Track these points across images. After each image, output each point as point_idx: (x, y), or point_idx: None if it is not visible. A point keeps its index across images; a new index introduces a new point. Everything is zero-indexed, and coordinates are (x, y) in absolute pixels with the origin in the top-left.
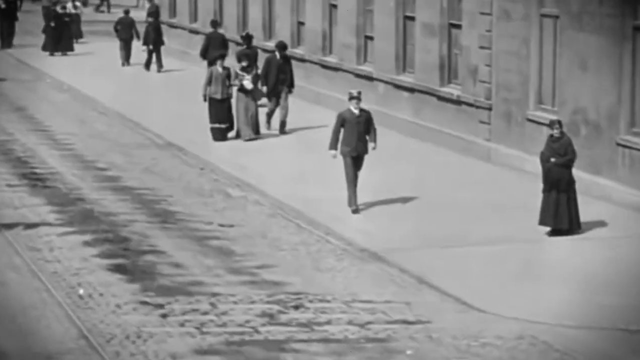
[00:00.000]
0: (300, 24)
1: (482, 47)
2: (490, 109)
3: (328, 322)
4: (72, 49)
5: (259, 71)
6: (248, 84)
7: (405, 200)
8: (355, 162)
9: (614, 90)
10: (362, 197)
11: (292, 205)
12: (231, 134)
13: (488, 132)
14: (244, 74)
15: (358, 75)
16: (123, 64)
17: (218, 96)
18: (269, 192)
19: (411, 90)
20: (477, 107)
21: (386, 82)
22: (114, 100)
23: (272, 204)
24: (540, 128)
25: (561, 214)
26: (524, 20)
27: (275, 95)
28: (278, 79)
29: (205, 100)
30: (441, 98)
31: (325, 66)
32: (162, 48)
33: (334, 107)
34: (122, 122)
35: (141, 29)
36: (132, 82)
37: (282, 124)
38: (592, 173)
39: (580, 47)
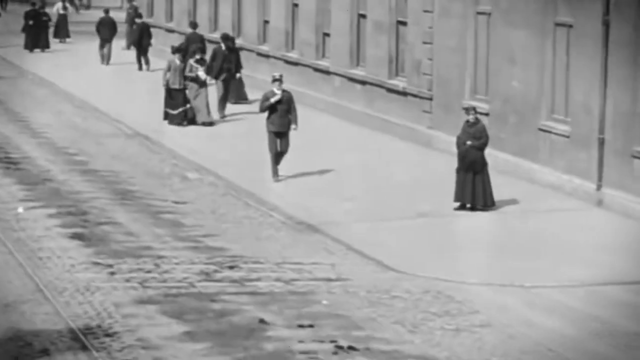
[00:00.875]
0: (266, 22)
1: (425, 43)
2: (431, 99)
3: (258, 279)
4: (48, 47)
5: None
6: (202, 74)
7: (347, 180)
8: (277, 136)
9: (537, 81)
10: (309, 179)
11: (242, 186)
12: (186, 121)
13: (429, 121)
14: (198, 65)
15: (316, 70)
16: (102, 62)
17: (176, 85)
18: (223, 175)
19: (363, 82)
20: (420, 97)
21: (341, 76)
22: (89, 95)
23: (225, 185)
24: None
25: (476, 192)
26: (462, 18)
27: (223, 82)
28: (222, 67)
29: (165, 87)
30: (389, 90)
31: (287, 61)
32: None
33: (296, 99)
34: (96, 114)
35: (122, 29)
36: (109, 79)
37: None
38: (518, 156)
39: (509, 41)
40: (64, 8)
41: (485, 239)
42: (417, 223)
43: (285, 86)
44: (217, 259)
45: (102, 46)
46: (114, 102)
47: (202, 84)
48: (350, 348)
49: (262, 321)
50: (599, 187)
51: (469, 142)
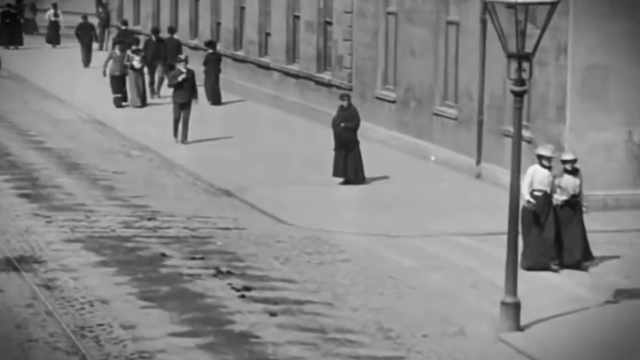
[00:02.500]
0: (218, 24)
1: (345, 40)
2: (351, 89)
3: (168, 228)
4: (22, 44)
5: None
6: (137, 63)
7: (264, 156)
8: (181, 107)
9: (432, 72)
10: (234, 155)
11: (175, 161)
12: (126, 102)
13: None
14: (134, 55)
15: (259, 66)
16: (86, 66)
17: (117, 73)
18: (161, 152)
19: (297, 76)
20: (342, 88)
21: (279, 71)
22: (57, 88)
23: (161, 159)
24: (384, 104)
25: (349, 167)
26: (375, 17)
27: (152, 69)
28: (154, 56)
29: (104, 75)
30: (318, 82)
31: (235, 59)
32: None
33: (242, 93)
34: (59, 103)
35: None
36: (79, 76)
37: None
38: (417, 137)
39: (411, 37)
40: (55, 15)
41: (369, 201)
42: (311, 189)
43: (234, 81)
44: (138, 213)
45: (85, 50)
46: (76, 93)
47: (138, 71)
48: (229, 272)
49: (162, 255)
50: (477, 162)
51: (342, 124)
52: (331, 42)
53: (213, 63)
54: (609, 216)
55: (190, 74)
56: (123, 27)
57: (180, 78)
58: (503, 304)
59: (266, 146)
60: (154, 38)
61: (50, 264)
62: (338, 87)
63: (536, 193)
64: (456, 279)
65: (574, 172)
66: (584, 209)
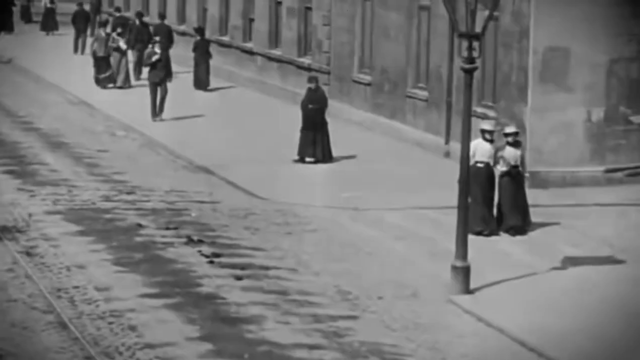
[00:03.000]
0: (205, 10)
1: (324, 25)
2: (329, 73)
3: (147, 201)
4: (13, 30)
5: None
6: (122, 45)
7: (242, 136)
8: (156, 85)
9: (405, 55)
10: (215, 136)
11: (158, 140)
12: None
13: (327, 91)
14: (120, 37)
15: (243, 51)
16: (75, 52)
17: (101, 54)
18: (145, 132)
19: (279, 61)
20: (322, 72)
21: (262, 55)
22: (46, 71)
23: (144, 139)
24: (361, 87)
25: (317, 147)
26: (352, 3)
27: (137, 51)
28: (137, 39)
29: (92, 55)
30: (298, 66)
31: (221, 44)
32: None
33: (228, 77)
34: (48, 86)
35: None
36: (70, 61)
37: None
38: (391, 118)
39: (385, 22)
40: (51, 2)
41: (339, 178)
42: (285, 167)
43: (219, 66)
44: (118, 188)
45: (77, 36)
46: (65, 78)
47: (123, 53)
48: (200, 241)
49: (138, 225)
50: (446, 141)
51: (310, 105)
52: (311, 27)
53: (202, 49)
54: (567, 192)
55: (164, 55)
56: (117, 14)
57: (154, 58)
58: (453, 267)
59: (246, 127)
60: (137, 22)
61: (32, 233)
62: (317, 70)
63: (479, 165)
64: (416, 248)
65: (516, 144)
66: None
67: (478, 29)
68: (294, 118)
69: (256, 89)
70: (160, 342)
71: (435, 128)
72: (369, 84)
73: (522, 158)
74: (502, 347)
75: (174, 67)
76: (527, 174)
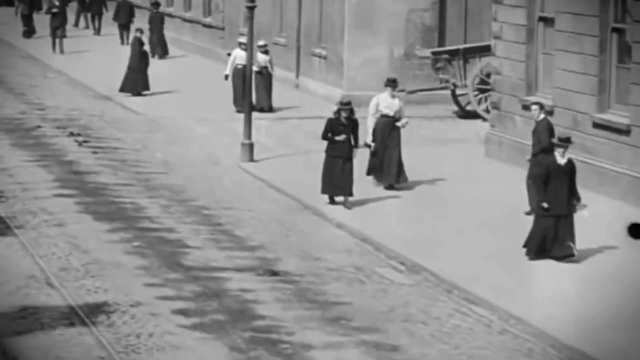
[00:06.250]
0: None
1: None
2: (223, 29)
3: (52, 114)
4: None
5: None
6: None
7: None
8: (55, 29)
9: (272, 13)
10: (109, 70)
11: (89, 85)
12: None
13: (222, 44)
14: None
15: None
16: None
17: (26, 12)
18: (77, 77)
19: (190, 21)
20: (218, 28)
21: (179, 17)
22: (34, 50)
23: (68, 79)
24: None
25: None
26: None
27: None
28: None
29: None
30: (203, 25)
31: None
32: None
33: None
34: (32, 62)
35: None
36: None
37: None
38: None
39: None
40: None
41: (196, 102)
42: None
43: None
44: (34, 107)
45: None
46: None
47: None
48: (79, 134)
49: (38, 126)
50: (297, 76)
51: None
52: None
53: (157, 21)
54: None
55: (61, 8)
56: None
57: (53, 10)
58: (242, 144)
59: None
60: None
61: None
62: (215, 27)
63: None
64: (223, 133)
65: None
66: None
67: None
68: (202, 68)
69: (173, 44)
70: (27, 182)
71: (290, 66)
72: (284, 45)
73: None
74: (274, 195)
75: None
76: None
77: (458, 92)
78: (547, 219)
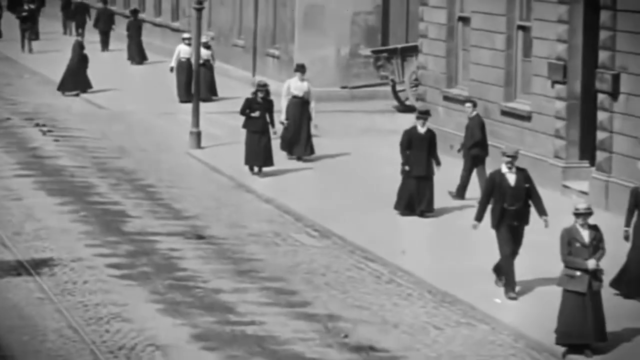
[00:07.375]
0: None
1: None
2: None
3: (23, 107)
4: None
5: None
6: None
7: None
8: (24, 30)
9: (232, 16)
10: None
11: (49, 77)
12: None
13: None
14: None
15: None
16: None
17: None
18: (45, 73)
19: (160, 26)
20: (186, 31)
21: (150, 22)
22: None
23: (41, 77)
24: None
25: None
26: None
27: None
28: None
29: None
30: (172, 29)
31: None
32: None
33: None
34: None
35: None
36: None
37: None
38: (225, 63)
39: None
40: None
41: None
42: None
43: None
44: (7, 103)
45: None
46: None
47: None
48: (44, 125)
49: (8, 118)
50: (253, 74)
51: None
52: None
53: (134, 29)
54: (321, 105)
55: (31, 11)
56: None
57: (23, 14)
58: (191, 132)
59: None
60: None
61: None
62: (183, 31)
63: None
64: (178, 123)
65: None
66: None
67: None
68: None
69: (146, 49)
70: None
71: (247, 66)
72: (212, 38)
73: (212, 56)
74: (214, 177)
75: None
76: None
77: (398, 88)
78: (410, 180)
